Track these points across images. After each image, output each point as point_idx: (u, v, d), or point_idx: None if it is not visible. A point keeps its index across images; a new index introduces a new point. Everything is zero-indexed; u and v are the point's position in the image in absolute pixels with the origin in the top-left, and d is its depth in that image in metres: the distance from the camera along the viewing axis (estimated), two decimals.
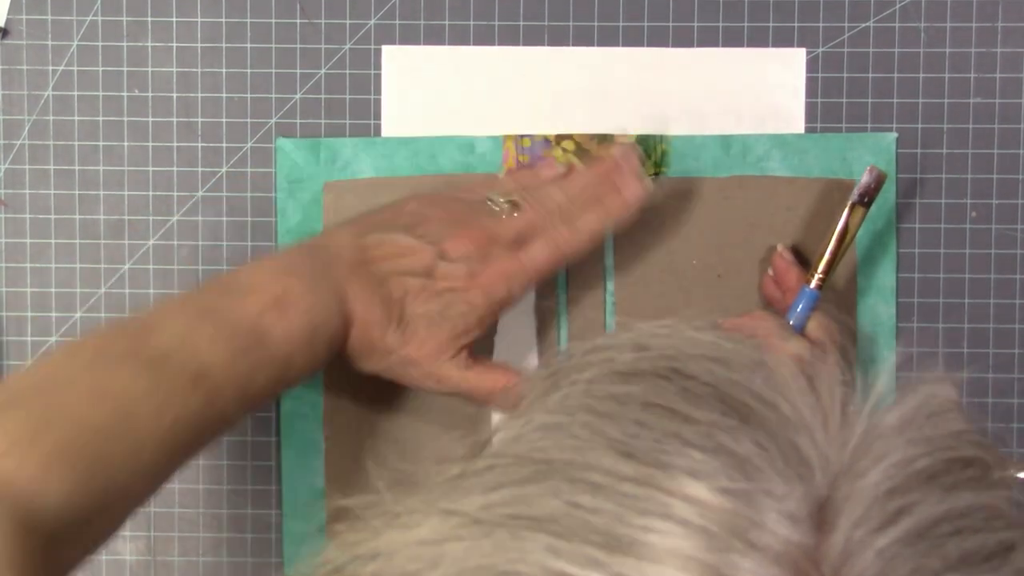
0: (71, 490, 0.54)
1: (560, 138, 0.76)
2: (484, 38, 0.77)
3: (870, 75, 0.77)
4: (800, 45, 0.77)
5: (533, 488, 0.38)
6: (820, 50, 0.77)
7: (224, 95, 0.77)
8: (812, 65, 0.77)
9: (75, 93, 0.77)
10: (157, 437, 0.58)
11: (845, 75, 0.77)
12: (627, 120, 0.77)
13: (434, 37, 0.77)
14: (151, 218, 0.78)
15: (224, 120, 0.77)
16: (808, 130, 0.77)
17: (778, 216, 0.76)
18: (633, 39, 0.77)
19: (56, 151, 0.78)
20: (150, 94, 0.78)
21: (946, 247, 0.77)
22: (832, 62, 0.77)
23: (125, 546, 0.78)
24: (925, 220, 0.77)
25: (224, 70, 0.77)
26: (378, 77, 0.77)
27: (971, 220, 0.77)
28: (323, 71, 0.77)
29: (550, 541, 0.36)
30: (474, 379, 0.69)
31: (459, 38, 0.77)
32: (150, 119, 0.78)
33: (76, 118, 0.77)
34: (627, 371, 0.42)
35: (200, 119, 0.78)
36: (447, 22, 0.77)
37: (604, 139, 0.76)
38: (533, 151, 0.76)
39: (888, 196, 0.75)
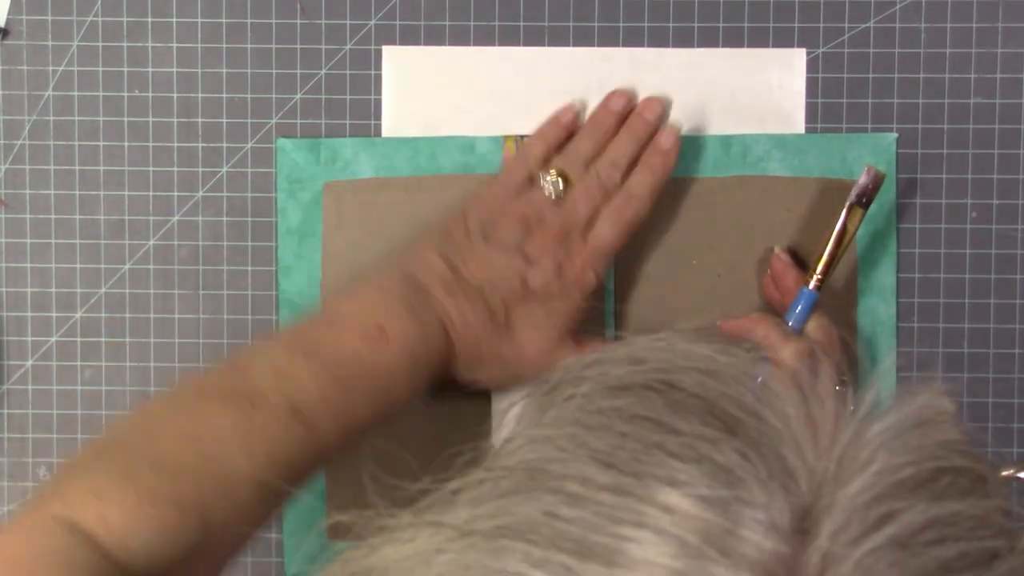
0: (164, 530, 0.55)
1: None
2: (484, 38, 0.77)
3: (870, 75, 0.77)
4: (800, 45, 0.77)
5: (516, 499, 0.39)
6: (820, 50, 0.77)
7: (224, 95, 0.77)
8: (812, 65, 0.77)
9: (75, 93, 0.77)
10: (251, 474, 0.59)
11: (845, 75, 0.77)
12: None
13: (434, 37, 0.77)
14: (151, 218, 0.78)
15: (224, 120, 0.77)
16: (808, 130, 0.77)
17: (778, 216, 0.76)
18: (633, 39, 0.77)
19: (56, 151, 0.78)
20: (150, 94, 0.78)
21: (946, 247, 0.77)
22: (832, 62, 0.77)
23: None
24: (925, 220, 0.77)
25: (224, 70, 0.77)
26: (378, 77, 0.77)
27: (971, 220, 0.77)
28: (323, 71, 0.77)
29: (527, 550, 0.36)
30: None
31: (459, 38, 0.77)
32: (150, 119, 0.78)
33: (76, 118, 0.78)
34: (619, 385, 0.42)
35: (200, 119, 0.78)
36: (447, 22, 0.77)
37: None
38: None
39: (888, 196, 0.75)
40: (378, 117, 0.77)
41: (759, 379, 0.40)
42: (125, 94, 0.78)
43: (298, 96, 0.77)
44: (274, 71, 0.77)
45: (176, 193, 0.78)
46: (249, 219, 0.77)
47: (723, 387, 0.40)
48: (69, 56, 0.77)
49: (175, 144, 0.78)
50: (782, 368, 0.57)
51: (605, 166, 0.71)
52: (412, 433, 0.76)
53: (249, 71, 0.77)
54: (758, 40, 0.77)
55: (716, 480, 0.37)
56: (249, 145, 0.77)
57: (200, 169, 0.78)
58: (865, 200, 0.71)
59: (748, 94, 0.77)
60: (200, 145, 0.78)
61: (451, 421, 0.76)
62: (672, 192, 0.76)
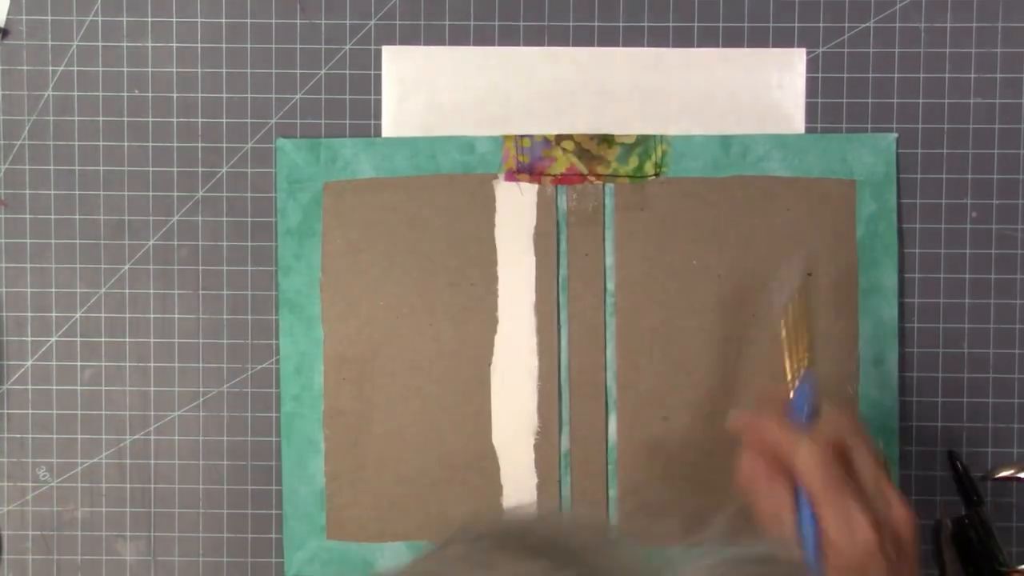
0: None
1: (560, 138, 0.76)
2: (484, 38, 0.77)
3: (870, 75, 0.77)
4: (800, 45, 0.77)
5: None
6: (820, 50, 0.77)
7: (224, 95, 0.77)
8: (812, 65, 0.77)
9: (75, 93, 0.77)
10: None
11: (845, 75, 0.77)
12: (627, 120, 0.77)
13: (434, 37, 0.77)
14: (151, 218, 0.78)
15: (224, 120, 0.77)
16: (808, 130, 0.77)
17: (778, 216, 0.76)
18: (633, 39, 0.77)
19: (56, 151, 0.78)
20: (150, 94, 0.78)
21: (947, 247, 0.77)
22: (832, 62, 0.77)
23: (125, 546, 0.78)
24: (925, 220, 0.77)
25: (224, 70, 0.77)
26: (378, 77, 0.77)
27: (971, 220, 0.77)
28: (323, 71, 0.77)
29: None
30: None
31: (459, 38, 0.77)
32: (150, 119, 0.78)
33: (76, 118, 0.77)
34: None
35: (200, 119, 0.77)
36: (447, 22, 0.77)
37: (604, 139, 0.76)
38: (533, 151, 0.76)
39: (889, 198, 0.75)
40: (378, 117, 0.77)
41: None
42: (125, 94, 0.78)
43: (298, 96, 0.77)
44: (274, 71, 0.77)
45: (176, 193, 0.78)
46: (249, 219, 0.77)
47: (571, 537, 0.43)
48: (69, 56, 0.77)
49: (175, 144, 0.78)
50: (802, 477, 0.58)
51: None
52: (413, 417, 0.76)
53: (249, 71, 0.77)
54: (758, 40, 0.77)
55: None
56: (249, 145, 0.77)
57: (200, 169, 0.78)
58: (794, 293, 0.68)
59: (748, 94, 0.77)
60: (200, 145, 0.77)
61: (452, 405, 0.76)
62: (672, 193, 0.76)
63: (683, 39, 0.77)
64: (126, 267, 0.78)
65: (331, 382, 0.76)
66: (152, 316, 0.78)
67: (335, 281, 0.76)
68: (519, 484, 0.76)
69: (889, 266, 0.76)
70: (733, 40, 0.77)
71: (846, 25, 0.77)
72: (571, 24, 0.77)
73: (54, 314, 0.78)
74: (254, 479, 0.78)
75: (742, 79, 0.77)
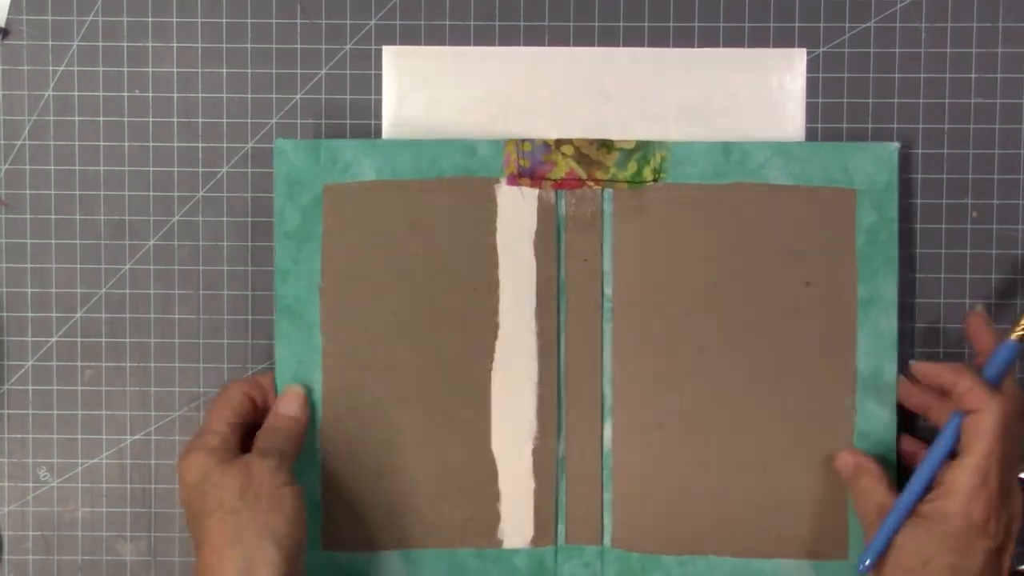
0: None
1: (560, 143, 0.76)
2: (484, 38, 0.77)
3: (871, 75, 0.77)
4: (801, 45, 0.77)
5: None
6: (821, 50, 0.77)
7: (224, 95, 0.77)
8: (813, 65, 0.77)
9: (75, 93, 0.77)
10: None
11: (846, 75, 0.77)
12: (627, 120, 0.77)
13: (434, 37, 0.77)
14: (151, 218, 0.78)
15: (224, 120, 0.77)
16: (809, 130, 0.77)
17: (778, 224, 0.75)
18: (633, 39, 0.77)
19: (56, 151, 0.78)
20: (150, 94, 0.78)
21: (947, 247, 0.77)
22: (833, 62, 0.77)
23: (126, 546, 0.78)
24: (926, 220, 0.77)
25: (224, 70, 0.77)
26: (378, 77, 0.77)
27: (972, 220, 0.77)
28: (323, 71, 0.77)
29: None
30: None
31: (459, 38, 0.77)
32: (150, 119, 0.78)
33: (76, 118, 0.78)
34: None
35: (200, 119, 0.78)
36: (447, 22, 0.77)
37: (603, 144, 0.76)
38: (534, 155, 0.76)
39: (890, 208, 0.75)
40: (378, 117, 0.77)
41: None
42: (125, 94, 0.78)
43: (298, 96, 0.77)
44: (274, 71, 0.77)
45: (176, 193, 0.78)
46: (249, 219, 0.77)
47: None
48: (69, 56, 0.77)
49: (175, 144, 0.78)
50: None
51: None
52: (412, 425, 0.76)
53: (249, 71, 0.77)
54: (758, 40, 0.77)
55: None
56: (249, 145, 0.77)
57: (200, 169, 0.78)
58: None
59: (748, 94, 0.77)
60: (200, 145, 0.78)
61: (450, 411, 0.76)
62: (671, 199, 0.75)
63: (683, 39, 0.77)
64: (126, 267, 0.78)
65: (329, 389, 0.76)
66: (152, 316, 0.78)
67: (335, 286, 0.75)
68: (516, 489, 0.76)
69: (889, 276, 0.75)
70: (733, 40, 0.77)
71: (846, 25, 0.77)
72: (571, 24, 0.77)
73: (54, 314, 0.78)
74: None
75: (742, 79, 0.77)
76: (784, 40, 0.77)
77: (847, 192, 0.75)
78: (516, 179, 0.76)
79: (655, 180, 0.75)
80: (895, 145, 0.75)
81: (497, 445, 0.76)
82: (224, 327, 0.78)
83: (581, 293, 0.76)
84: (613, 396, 0.76)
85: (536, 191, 0.76)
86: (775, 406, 0.75)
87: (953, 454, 0.69)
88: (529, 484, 0.76)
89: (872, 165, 0.75)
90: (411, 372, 0.76)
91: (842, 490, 0.75)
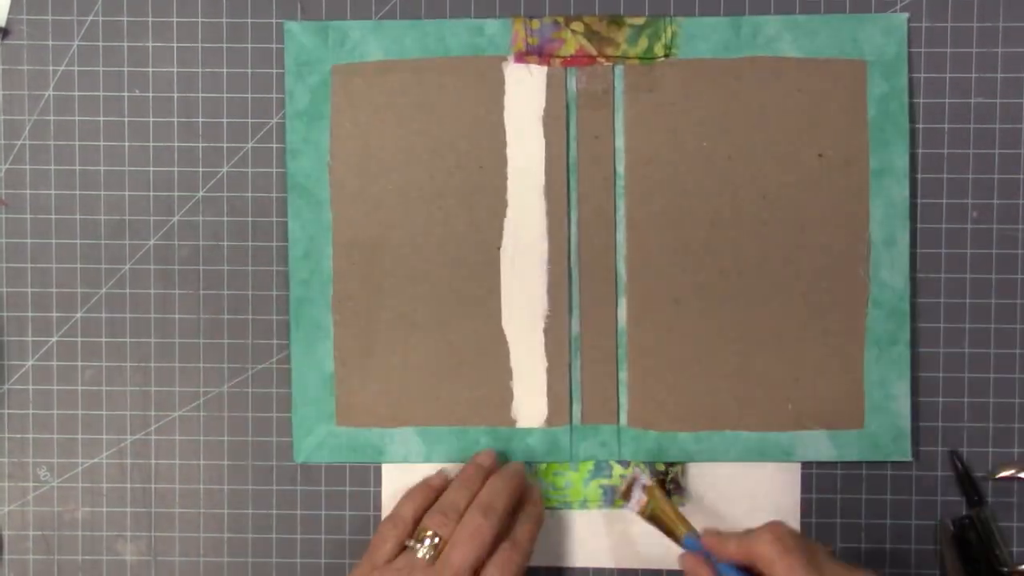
0: None
1: (569, 20, 0.76)
2: None
3: None
4: None
5: None
6: None
7: (224, 95, 0.77)
8: None
9: (76, 93, 0.78)
10: None
11: None
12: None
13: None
14: (151, 218, 0.78)
15: (224, 120, 0.77)
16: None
17: (789, 97, 0.76)
18: None
19: (57, 151, 0.78)
20: (151, 94, 0.78)
21: (947, 247, 0.77)
22: None
23: (126, 546, 0.78)
24: (926, 220, 0.77)
25: (224, 70, 0.77)
26: None
27: (972, 220, 0.77)
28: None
29: None
30: None
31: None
32: (151, 119, 0.78)
33: (77, 118, 0.78)
34: None
35: (201, 119, 0.78)
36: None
37: (613, 21, 0.76)
38: (542, 33, 0.76)
39: (900, 78, 0.75)
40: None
41: None
42: (125, 94, 0.78)
43: None
44: (274, 71, 0.77)
45: (176, 193, 0.78)
46: (249, 219, 0.77)
47: None
48: (69, 56, 0.77)
49: (175, 144, 0.78)
50: None
51: (481, 511, 0.71)
52: (422, 292, 0.76)
53: (249, 71, 0.77)
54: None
55: None
56: (249, 145, 0.77)
57: (200, 169, 0.78)
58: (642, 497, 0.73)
59: None
60: (200, 145, 0.78)
61: (456, 280, 0.76)
62: (682, 74, 0.76)
63: None
64: (126, 267, 0.78)
65: (340, 266, 0.76)
66: (152, 316, 0.78)
67: (344, 164, 0.76)
68: (529, 368, 0.76)
69: (900, 147, 0.75)
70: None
71: None
72: None
73: (54, 314, 0.78)
74: (254, 479, 0.78)
75: None
76: None
77: (857, 63, 0.75)
78: (524, 57, 0.76)
79: (666, 56, 0.76)
80: (904, 16, 0.75)
81: (508, 324, 0.76)
82: (224, 327, 0.78)
83: (593, 171, 0.76)
84: (627, 273, 0.76)
85: (545, 69, 0.76)
86: (790, 278, 0.76)
87: None
88: (542, 363, 0.76)
89: (882, 36, 0.75)
90: (420, 249, 0.76)
91: (858, 359, 0.75)
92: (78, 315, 0.78)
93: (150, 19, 0.78)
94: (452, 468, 0.77)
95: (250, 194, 0.77)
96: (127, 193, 0.78)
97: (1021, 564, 0.76)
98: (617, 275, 0.76)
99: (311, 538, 0.78)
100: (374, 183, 0.76)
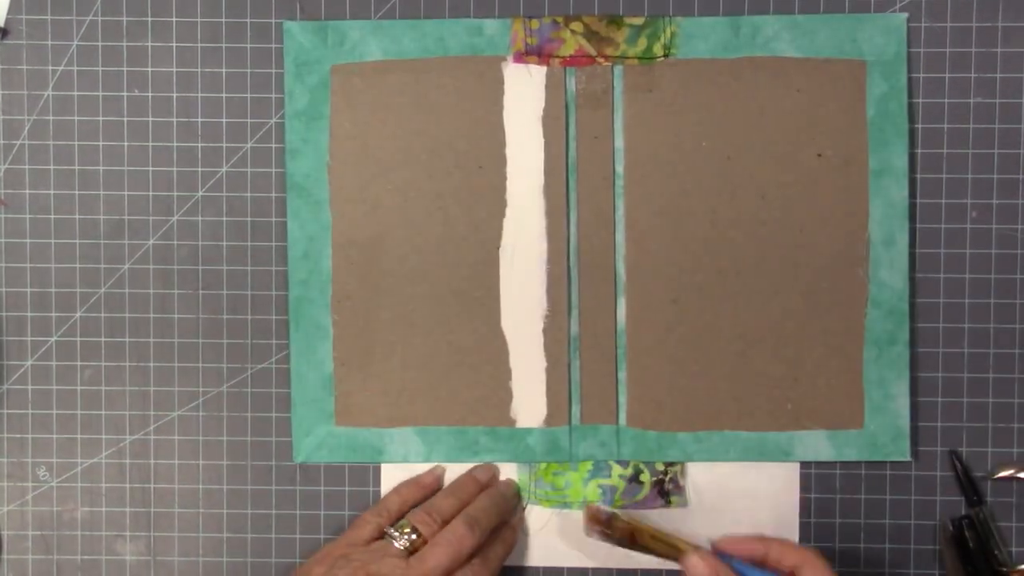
0: None
1: (568, 20, 0.76)
2: None
3: None
4: None
5: None
6: None
7: (224, 95, 0.77)
8: None
9: (75, 93, 0.77)
10: None
11: None
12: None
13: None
14: (151, 218, 0.78)
15: (224, 120, 0.77)
16: None
17: (788, 97, 0.76)
18: None
19: (56, 151, 0.78)
20: (150, 94, 0.78)
21: (946, 247, 0.77)
22: None
23: (125, 546, 0.78)
24: (925, 220, 0.77)
25: (224, 70, 0.77)
26: None
27: (971, 220, 0.77)
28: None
29: None
30: None
31: None
32: (150, 119, 0.78)
33: (76, 118, 0.78)
34: None
35: (200, 119, 0.78)
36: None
37: (613, 21, 0.76)
38: (542, 33, 0.76)
39: (899, 78, 0.75)
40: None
41: None
42: (125, 94, 0.78)
43: None
44: (273, 71, 0.77)
45: (176, 193, 0.78)
46: (249, 219, 0.77)
47: None
48: (69, 56, 0.77)
49: (175, 144, 0.78)
50: None
51: (467, 523, 0.71)
52: (422, 293, 0.76)
53: (249, 71, 0.77)
54: None
55: None
56: (249, 145, 0.77)
57: (200, 169, 0.78)
58: (607, 524, 0.73)
59: None
60: (200, 145, 0.78)
61: (460, 288, 0.76)
62: (681, 75, 0.76)
63: None
64: (126, 267, 0.78)
65: (339, 266, 0.76)
66: (152, 316, 0.78)
67: (343, 165, 0.76)
68: (528, 368, 0.76)
69: (899, 146, 0.75)
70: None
71: None
72: None
73: (54, 314, 0.78)
74: (254, 479, 0.78)
75: None
76: None
77: (857, 63, 0.75)
78: (523, 57, 0.76)
79: (665, 56, 0.76)
80: (903, 15, 0.75)
81: (507, 323, 0.76)
82: (224, 327, 0.78)
83: (592, 170, 0.76)
84: (626, 273, 0.76)
85: (544, 69, 0.76)
86: (789, 278, 0.76)
87: None
88: (541, 363, 0.76)
89: (881, 36, 0.75)
90: (419, 249, 0.76)
91: (857, 359, 0.76)
92: (77, 315, 0.78)
93: (149, 19, 0.78)
94: (447, 468, 0.77)
95: (249, 194, 0.77)
96: (126, 193, 0.78)
97: (1020, 564, 0.76)
98: (616, 275, 0.76)
99: (310, 538, 0.78)
100: (373, 183, 0.76)
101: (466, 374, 0.77)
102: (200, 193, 0.78)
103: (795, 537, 0.77)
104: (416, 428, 0.77)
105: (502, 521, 0.75)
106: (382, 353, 0.77)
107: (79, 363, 0.78)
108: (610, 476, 0.77)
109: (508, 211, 0.76)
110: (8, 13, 0.77)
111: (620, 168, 0.76)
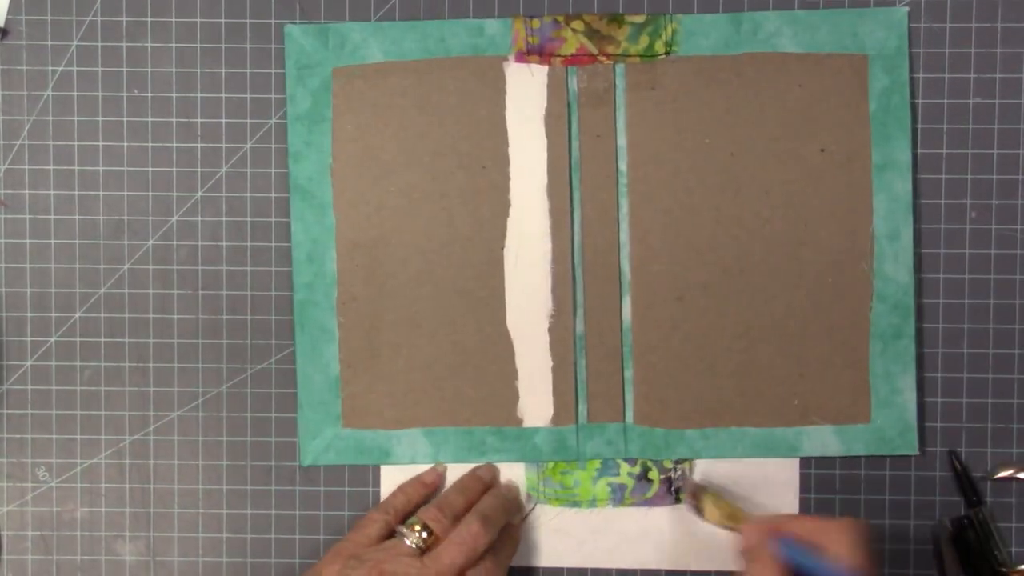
0: None
1: (569, 19, 0.76)
2: None
3: None
4: None
5: None
6: None
7: (224, 95, 0.77)
8: None
9: (75, 93, 0.77)
10: None
11: None
12: None
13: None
14: (151, 218, 0.78)
15: (224, 120, 0.77)
16: None
17: (790, 92, 0.76)
18: None
19: (56, 151, 0.78)
20: (149, 94, 0.78)
21: (946, 247, 0.77)
22: None
23: (125, 546, 0.78)
24: (925, 220, 0.77)
25: (224, 70, 0.77)
26: None
27: (971, 220, 0.77)
28: None
29: None
30: None
31: None
32: (150, 119, 0.78)
33: (76, 118, 0.77)
34: None
35: (200, 119, 0.77)
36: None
37: (614, 19, 0.76)
38: (543, 32, 0.76)
39: (901, 72, 0.76)
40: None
41: None
42: (124, 94, 0.78)
43: None
44: (273, 71, 0.77)
45: (175, 193, 0.78)
46: (248, 219, 0.77)
47: None
48: (68, 56, 0.77)
49: (174, 144, 0.78)
50: None
51: (480, 520, 0.71)
52: (427, 295, 0.76)
53: (248, 71, 0.77)
54: None
55: None
56: (249, 145, 0.77)
57: (199, 169, 0.78)
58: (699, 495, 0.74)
59: None
60: (200, 145, 0.77)
61: (466, 288, 0.77)
62: (683, 72, 0.76)
63: None
64: (125, 267, 0.78)
65: (344, 269, 0.76)
66: (152, 316, 0.78)
67: (346, 167, 0.76)
68: (534, 368, 0.76)
69: (902, 140, 0.76)
70: None
71: None
72: None
73: (54, 314, 0.78)
74: (253, 479, 0.78)
75: None
76: None
77: (858, 58, 0.75)
78: (525, 56, 0.76)
79: (667, 53, 0.76)
80: (904, 9, 0.75)
81: (513, 323, 0.76)
82: (223, 327, 0.78)
83: (596, 169, 0.76)
84: (631, 271, 0.76)
85: (546, 68, 0.76)
86: (794, 274, 0.76)
87: None
88: (547, 362, 0.77)
89: (882, 30, 0.76)
90: (423, 250, 0.76)
91: (863, 354, 0.76)
92: (77, 315, 0.78)
93: (149, 19, 0.78)
94: (448, 467, 0.77)
95: (249, 194, 0.77)
96: (126, 193, 0.78)
97: (1020, 564, 0.76)
98: (621, 273, 0.76)
99: (310, 539, 0.78)
100: (376, 185, 0.76)
101: (472, 374, 0.77)
102: (200, 193, 0.78)
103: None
104: (423, 429, 0.77)
105: (507, 521, 0.75)
106: (388, 355, 0.77)
107: (79, 363, 0.78)
108: (618, 474, 0.77)
109: (512, 211, 0.76)
110: (8, 13, 0.77)
111: (623, 166, 0.76)
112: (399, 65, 0.76)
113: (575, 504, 0.77)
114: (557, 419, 0.77)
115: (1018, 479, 0.77)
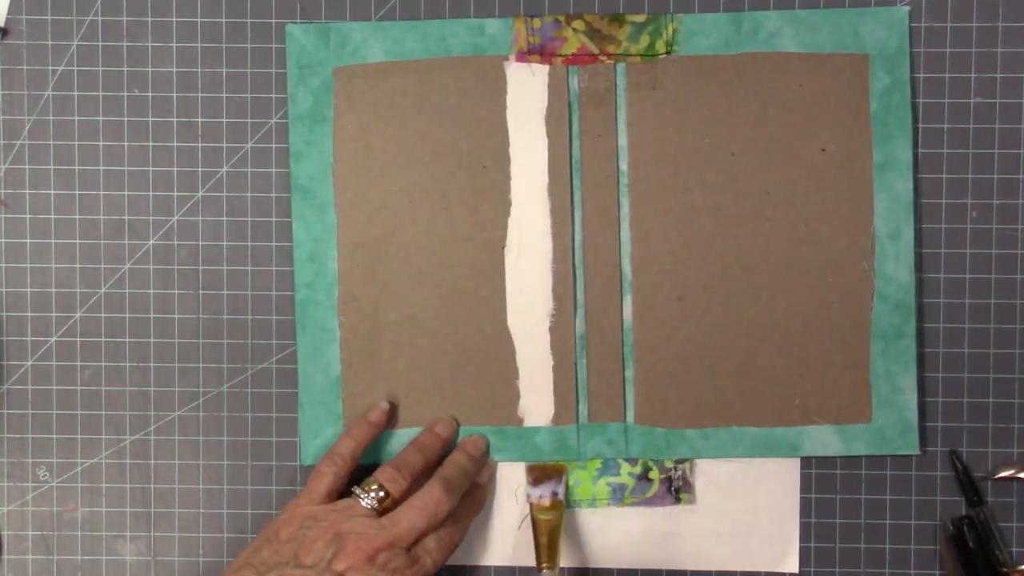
0: None
1: (570, 18, 0.76)
2: None
3: None
4: None
5: None
6: None
7: (224, 95, 0.77)
8: None
9: (75, 93, 0.77)
10: None
11: None
12: None
13: None
14: (151, 218, 0.78)
15: (224, 120, 0.77)
16: None
17: (791, 92, 0.76)
18: None
19: (56, 151, 0.78)
20: (150, 94, 0.78)
21: (946, 247, 0.77)
22: None
23: (125, 546, 0.78)
24: (925, 220, 0.77)
25: (224, 70, 0.77)
26: None
27: (971, 220, 0.77)
28: None
29: None
30: None
31: None
32: (150, 119, 0.78)
33: (76, 118, 0.77)
34: None
35: (200, 119, 0.77)
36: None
37: (614, 19, 0.76)
38: (543, 32, 0.76)
39: (902, 71, 0.75)
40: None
41: None
42: (125, 94, 0.78)
43: None
44: (273, 71, 0.77)
45: (176, 193, 0.78)
46: (249, 219, 0.77)
47: None
48: (69, 56, 0.77)
49: (175, 144, 0.78)
50: None
51: (444, 486, 0.71)
52: (428, 295, 0.76)
53: (249, 71, 0.77)
54: None
55: None
56: (249, 145, 0.77)
57: (200, 169, 0.78)
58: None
59: None
60: (200, 145, 0.77)
61: (467, 288, 0.77)
62: (684, 71, 0.76)
63: None
64: (126, 267, 0.78)
65: (345, 268, 0.76)
66: (152, 316, 0.78)
67: (347, 166, 0.76)
68: (535, 367, 0.77)
69: (903, 140, 0.76)
70: None
71: None
72: None
73: (54, 314, 0.78)
74: (254, 479, 0.78)
75: None
76: None
77: (859, 57, 0.75)
78: (525, 56, 0.76)
79: (668, 53, 0.76)
80: (905, 9, 0.75)
81: (513, 323, 0.76)
82: (224, 327, 0.78)
83: (596, 169, 0.76)
84: (632, 271, 0.76)
85: (547, 67, 0.76)
86: (795, 274, 0.76)
87: None
88: (548, 362, 0.77)
89: (883, 30, 0.76)
90: (424, 250, 0.76)
91: (864, 354, 0.76)
92: (77, 315, 0.78)
93: (149, 19, 0.78)
94: (388, 405, 0.76)
95: (249, 194, 0.77)
96: (126, 193, 0.78)
97: (1021, 564, 0.76)
98: (622, 273, 0.76)
99: None
100: (377, 184, 0.76)
101: (473, 374, 0.77)
102: (200, 193, 0.78)
103: (795, 537, 0.77)
104: (423, 430, 0.77)
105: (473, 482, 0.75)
106: (389, 354, 0.77)
107: (79, 363, 0.78)
108: (619, 474, 0.77)
109: (512, 210, 0.76)
110: (8, 13, 0.77)
111: (624, 166, 0.76)
112: (400, 65, 0.76)
113: (576, 504, 0.77)
114: (558, 419, 0.77)
115: (1019, 479, 0.77)
